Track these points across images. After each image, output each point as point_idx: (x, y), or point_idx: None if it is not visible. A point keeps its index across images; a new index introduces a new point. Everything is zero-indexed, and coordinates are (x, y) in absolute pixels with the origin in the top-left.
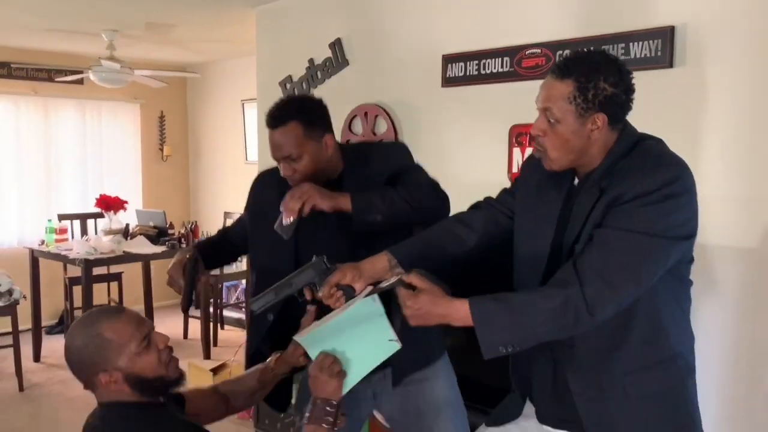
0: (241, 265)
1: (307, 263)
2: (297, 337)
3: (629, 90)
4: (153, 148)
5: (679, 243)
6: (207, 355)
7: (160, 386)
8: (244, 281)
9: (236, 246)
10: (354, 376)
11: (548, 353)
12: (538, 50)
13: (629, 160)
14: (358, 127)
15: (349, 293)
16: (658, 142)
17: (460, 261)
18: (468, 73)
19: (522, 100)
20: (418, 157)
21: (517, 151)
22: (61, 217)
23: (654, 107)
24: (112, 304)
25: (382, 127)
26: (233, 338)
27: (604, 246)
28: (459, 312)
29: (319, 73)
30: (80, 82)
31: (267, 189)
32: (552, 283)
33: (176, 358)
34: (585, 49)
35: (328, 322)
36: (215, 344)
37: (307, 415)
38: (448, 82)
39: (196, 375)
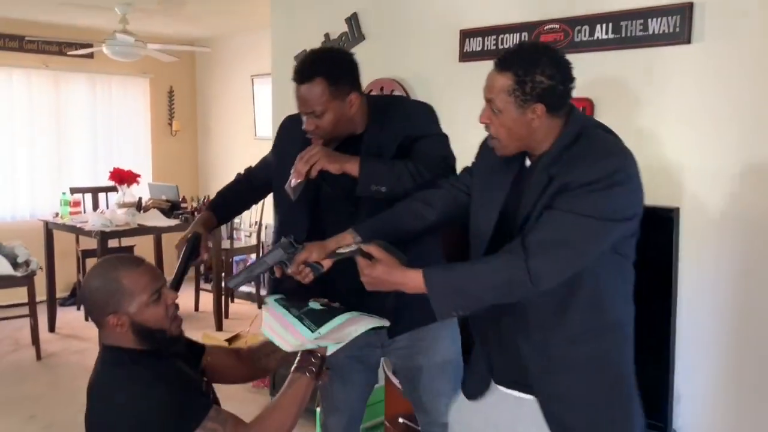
0: (251, 240)
1: (277, 243)
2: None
3: (567, 80)
4: (162, 123)
5: (622, 224)
6: (219, 327)
7: (161, 339)
8: (253, 255)
9: (255, 189)
10: (336, 344)
11: (503, 320)
12: (557, 26)
13: (577, 148)
14: None
15: (317, 269)
16: (605, 130)
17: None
18: (486, 48)
19: None
20: None
21: None
22: (73, 191)
23: (672, 83)
24: None
25: None
26: (244, 311)
27: (551, 224)
28: (413, 281)
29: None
30: (90, 56)
31: (290, 136)
32: (500, 254)
33: (180, 318)
34: (527, 42)
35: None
36: (226, 317)
37: (294, 364)
38: (465, 57)
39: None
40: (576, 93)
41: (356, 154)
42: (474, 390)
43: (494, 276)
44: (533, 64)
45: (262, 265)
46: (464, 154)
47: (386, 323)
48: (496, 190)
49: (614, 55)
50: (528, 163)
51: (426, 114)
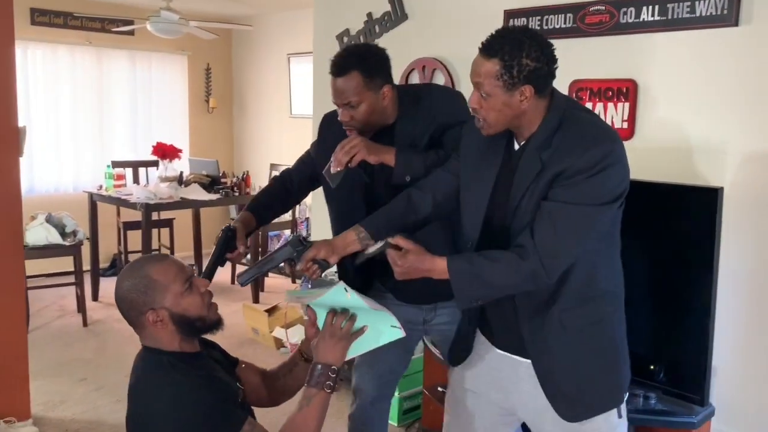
0: (285, 215)
1: (286, 241)
2: (309, 302)
3: (551, 61)
4: (199, 99)
5: (616, 203)
6: (256, 300)
7: (201, 326)
8: (288, 231)
9: (293, 191)
10: (353, 350)
11: (511, 300)
12: (602, 7)
13: (566, 134)
14: (415, 80)
15: (324, 266)
16: (586, 111)
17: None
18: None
19: (584, 56)
20: None
21: None
22: (115, 164)
23: (719, 66)
24: (163, 250)
25: (440, 80)
26: (279, 284)
27: (556, 220)
28: (441, 267)
29: (377, 27)
30: (131, 33)
31: (331, 130)
32: (515, 254)
33: (216, 304)
34: (509, 26)
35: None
36: (262, 290)
37: (307, 378)
38: None
39: (251, 316)
40: (619, 74)
41: (389, 145)
42: (456, 358)
43: (513, 274)
44: (518, 47)
45: (271, 261)
46: None
47: (402, 335)
48: (485, 170)
49: (660, 37)
50: (517, 146)
51: (456, 102)
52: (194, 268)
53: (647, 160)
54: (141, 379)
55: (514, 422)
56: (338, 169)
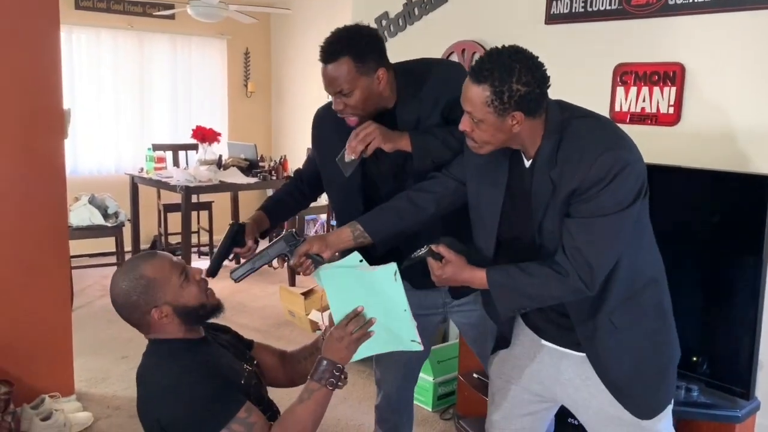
0: (321, 199)
1: (279, 236)
2: (320, 268)
3: (543, 83)
4: (238, 84)
5: (638, 199)
6: (292, 283)
7: (204, 313)
8: (324, 215)
9: (306, 189)
10: (363, 351)
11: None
12: None
13: (568, 150)
14: None
15: (318, 261)
16: (584, 116)
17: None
18: (574, 11)
19: (629, 39)
20: None
21: (620, 90)
22: (156, 147)
23: (760, 49)
24: (202, 232)
25: None
26: None
27: (584, 236)
28: (480, 279)
29: (416, 10)
30: (172, 17)
31: (324, 124)
32: (555, 270)
33: (212, 290)
34: (498, 49)
35: (352, 271)
36: (298, 273)
37: (312, 371)
38: (552, 19)
39: (288, 298)
40: (666, 57)
41: (392, 127)
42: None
43: (553, 289)
44: (509, 73)
45: (265, 257)
46: None
47: (420, 348)
48: (492, 188)
49: (709, 19)
50: (527, 163)
51: (459, 74)
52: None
53: (693, 146)
54: (144, 365)
55: (555, 407)
56: (352, 157)
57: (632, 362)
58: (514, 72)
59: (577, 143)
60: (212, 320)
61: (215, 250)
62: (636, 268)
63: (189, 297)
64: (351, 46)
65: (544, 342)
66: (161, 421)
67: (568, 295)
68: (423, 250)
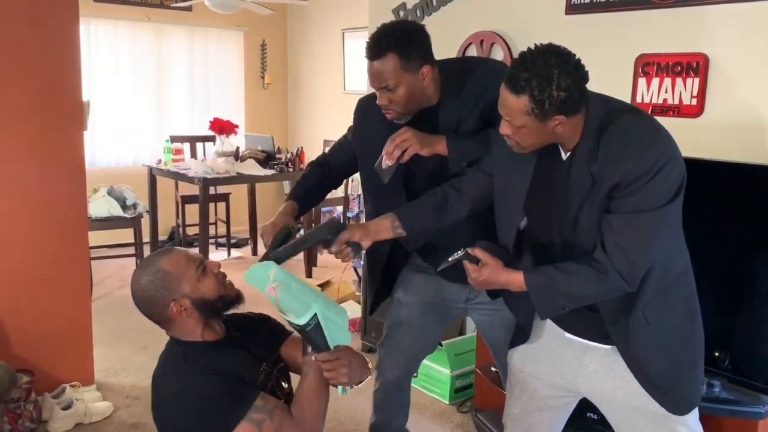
0: (337, 192)
1: (324, 222)
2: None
3: (582, 81)
4: (255, 75)
5: (679, 196)
6: (309, 275)
7: (222, 305)
8: (340, 207)
9: (332, 176)
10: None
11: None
12: None
13: (611, 143)
14: (472, 54)
15: (357, 249)
16: (626, 110)
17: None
18: (594, 0)
19: (651, 29)
20: None
21: (642, 81)
22: (173, 139)
23: None
24: (219, 224)
25: (498, 54)
26: (331, 260)
27: (626, 232)
28: (517, 282)
29: (434, 1)
30: (189, 9)
31: (370, 115)
32: (595, 269)
33: (231, 282)
34: (531, 53)
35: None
36: (315, 264)
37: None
38: (572, 9)
39: None
40: (689, 48)
41: (433, 126)
42: (513, 340)
43: (594, 288)
44: (548, 81)
45: (307, 241)
46: None
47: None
48: (517, 179)
49: (734, 8)
50: (564, 155)
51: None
52: (293, 228)
53: (717, 138)
54: (159, 369)
55: (575, 400)
56: (389, 163)
57: (668, 358)
58: (553, 79)
59: (620, 138)
60: (233, 311)
61: (263, 247)
62: (669, 261)
63: (207, 289)
64: (397, 43)
65: (568, 335)
66: (177, 426)
67: (608, 293)
68: (459, 253)
